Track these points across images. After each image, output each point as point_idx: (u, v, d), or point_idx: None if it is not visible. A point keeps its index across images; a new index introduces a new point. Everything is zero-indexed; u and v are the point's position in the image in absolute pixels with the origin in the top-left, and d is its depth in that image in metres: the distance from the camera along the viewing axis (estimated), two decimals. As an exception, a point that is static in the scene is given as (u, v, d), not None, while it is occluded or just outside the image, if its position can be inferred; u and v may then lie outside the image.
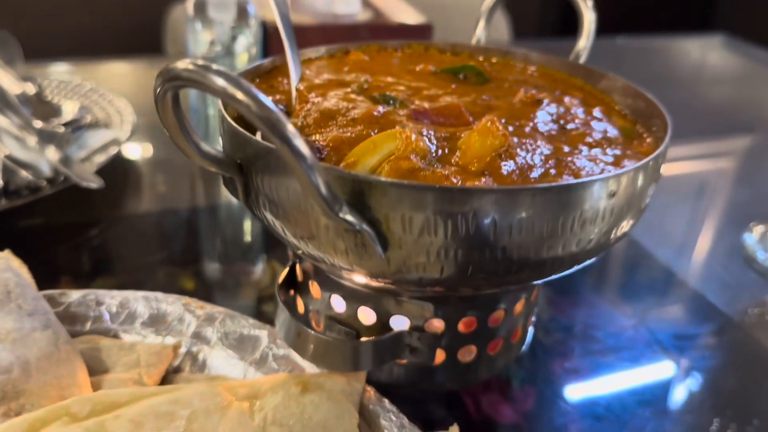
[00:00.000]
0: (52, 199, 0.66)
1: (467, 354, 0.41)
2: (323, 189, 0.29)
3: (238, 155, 0.35)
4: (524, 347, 0.46)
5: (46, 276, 0.45)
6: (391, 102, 0.43)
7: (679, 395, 0.48)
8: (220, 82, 0.27)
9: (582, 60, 0.49)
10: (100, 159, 0.68)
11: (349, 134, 0.39)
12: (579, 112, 0.43)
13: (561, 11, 2.03)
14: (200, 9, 0.69)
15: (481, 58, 0.52)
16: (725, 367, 0.53)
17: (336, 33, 0.73)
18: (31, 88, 0.81)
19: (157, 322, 0.44)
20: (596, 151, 0.39)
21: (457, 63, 0.50)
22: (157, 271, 0.60)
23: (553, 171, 0.36)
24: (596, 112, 0.44)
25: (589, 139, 0.39)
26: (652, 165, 0.35)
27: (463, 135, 0.38)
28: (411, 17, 0.76)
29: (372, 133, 0.38)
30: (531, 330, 0.46)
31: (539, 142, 0.38)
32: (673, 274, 0.64)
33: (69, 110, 0.76)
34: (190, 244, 0.66)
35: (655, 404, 0.47)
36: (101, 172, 0.66)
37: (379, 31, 0.74)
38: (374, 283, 0.38)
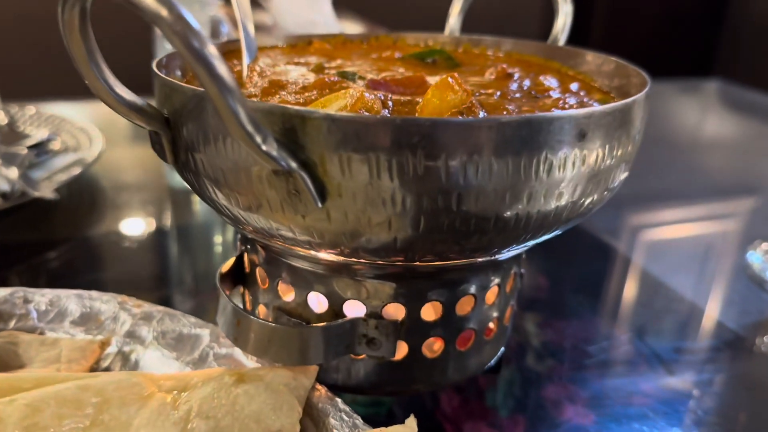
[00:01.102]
0: (10, 217, 0.62)
1: (433, 348, 0.36)
2: (243, 116, 0.25)
3: (167, 108, 0.31)
4: (502, 350, 0.41)
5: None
6: (350, 76, 0.40)
7: (685, 415, 0.43)
8: (125, -13, 0.24)
9: (560, 44, 0.46)
10: (62, 177, 0.65)
11: (297, 99, 0.35)
12: (554, 85, 0.40)
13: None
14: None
15: (451, 48, 0.49)
16: (736, 385, 0.47)
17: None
18: (2, 118, 0.79)
19: (88, 320, 0.39)
20: (571, 115, 0.35)
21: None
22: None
23: (520, 128, 0.32)
24: (573, 86, 0.40)
25: (565, 105, 0.36)
26: (626, 116, 0.31)
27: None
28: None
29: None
30: (509, 328, 0.41)
31: (507, 105, 0.35)
32: (674, 292, 0.59)
33: (37, 135, 0.74)
34: (154, 267, 0.62)
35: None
36: (66, 196, 0.63)
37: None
38: (323, 257, 0.33)
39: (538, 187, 0.28)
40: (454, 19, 0.49)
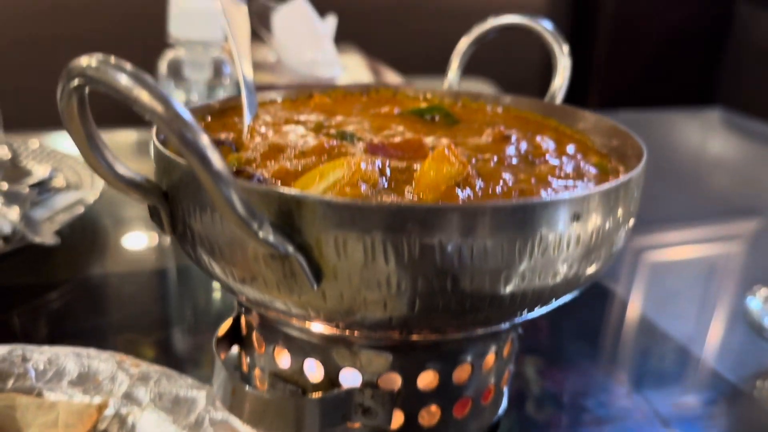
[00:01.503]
0: (10, 260, 0.62)
1: (429, 416, 0.36)
2: (238, 205, 0.25)
3: (165, 181, 0.32)
4: (501, 411, 0.41)
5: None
6: (348, 138, 0.40)
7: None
8: (123, 80, 0.24)
9: (558, 101, 0.46)
10: (64, 218, 0.65)
11: (296, 166, 0.36)
12: (551, 148, 0.40)
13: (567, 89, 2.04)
14: (174, 68, 0.68)
15: (450, 101, 0.49)
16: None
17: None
18: (5, 153, 0.79)
19: (86, 380, 0.39)
20: (568, 183, 0.35)
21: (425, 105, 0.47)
22: (117, 338, 0.56)
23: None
24: (569, 148, 0.40)
25: (560, 173, 0.36)
26: (623, 191, 0.31)
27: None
28: (390, 78, 0.75)
29: (321, 164, 0.35)
30: (506, 392, 0.41)
31: (504, 174, 0.35)
32: (674, 341, 0.59)
33: (39, 173, 0.74)
34: (155, 309, 0.62)
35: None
36: (67, 235, 0.63)
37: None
38: (319, 330, 0.33)
39: (534, 267, 0.28)
40: (453, 74, 0.49)
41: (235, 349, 0.40)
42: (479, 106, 0.49)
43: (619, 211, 0.31)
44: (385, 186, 0.34)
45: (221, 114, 0.44)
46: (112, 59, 0.25)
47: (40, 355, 0.41)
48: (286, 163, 0.36)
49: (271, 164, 0.36)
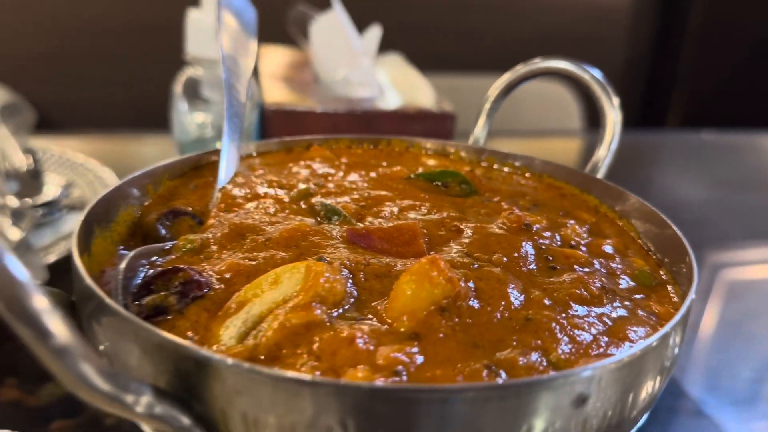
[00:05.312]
0: None
1: None
2: (97, 380, 0.18)
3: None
4: None
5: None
6: (334, 216, 0.33)
7: None
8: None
9: (601, 173, 0.37)
10: (65, 247, 0.60)
11: (251, 261, 0.29)
12: (582, 245, 0.32)
13: (647, 100, 1.89)
14: (191, 88, 0.62)
15: (466, 166, 0.41)
16: None
17: (343, 121, 0.64)
18: (25, 162, 0.76)
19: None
20: (594, 312, 0.27)
21: (441, 167, 0.40)
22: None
23: (515, 342, 0.24)
24: (607, 247, 0.32)
25: (584, 293, 0.28)
26: (658, 346, 0.23)
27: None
28: (432, 103, 0.67)
29: (284, 261, 0.29)
30: None
31: (511, 290, 0.27)
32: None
33: (51, 189, 0.70)
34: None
35: None
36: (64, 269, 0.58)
37: (394, 119, 0.65)
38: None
39: (519, 463, 0.21)
40: (479, 128, 0.41)
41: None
42: (505, 168, 0.40)
43: (657, 365, 0.23)
44: (352, 302, 0.27)
45: (196, 173, 0.38)
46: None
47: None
48: (241, 257, 0.29)
49: (224, 255, 0.30)
